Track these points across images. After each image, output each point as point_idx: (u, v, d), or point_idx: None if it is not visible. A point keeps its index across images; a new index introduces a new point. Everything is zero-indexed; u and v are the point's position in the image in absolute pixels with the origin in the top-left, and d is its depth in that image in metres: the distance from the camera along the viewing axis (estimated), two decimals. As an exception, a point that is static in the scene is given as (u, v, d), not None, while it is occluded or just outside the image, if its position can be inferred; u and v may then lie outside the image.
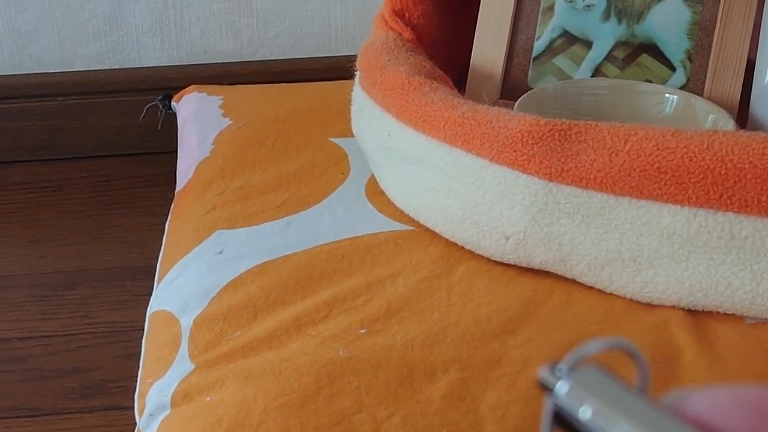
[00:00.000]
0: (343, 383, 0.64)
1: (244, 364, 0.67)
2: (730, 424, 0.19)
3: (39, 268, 1.19)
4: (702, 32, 0.88)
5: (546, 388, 0.21)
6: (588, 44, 0.91)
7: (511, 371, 0.65)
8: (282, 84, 1.11)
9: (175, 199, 0.93)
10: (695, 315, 0.69)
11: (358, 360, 0.66)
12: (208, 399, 0.65)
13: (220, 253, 0.80)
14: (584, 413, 0.20)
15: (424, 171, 0.77)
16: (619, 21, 0.90)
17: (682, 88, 0.89)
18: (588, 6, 0.90)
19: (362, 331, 0.69)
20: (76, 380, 1.01)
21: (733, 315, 0.69)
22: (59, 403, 0.98)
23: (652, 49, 0.90)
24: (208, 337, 0.71)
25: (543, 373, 0.21)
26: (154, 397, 0.69)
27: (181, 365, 0.69)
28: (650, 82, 0.90)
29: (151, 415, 0.68)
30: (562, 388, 0.21)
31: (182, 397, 0.67)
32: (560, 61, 0.91)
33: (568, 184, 0.69)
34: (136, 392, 0.73)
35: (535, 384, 0.21)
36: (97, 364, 1.02)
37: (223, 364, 0.68)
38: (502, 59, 0.91)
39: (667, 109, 0.87)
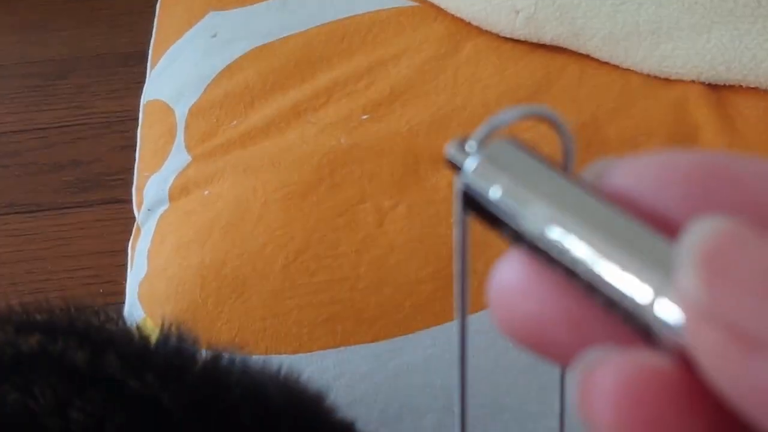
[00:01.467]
0: (345, 173, 0.61)
1: (242, 155, 0.65)
2: (660, 195, 0.16)
3: (29, 56, 1.14)
4: None
5: (455, 167, 0.18)
6: None
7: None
8: None
9: (164, -21, 0.87)
10: (716, 90, 0.65)
11: (361, 148, 0.63)
12: (206, 192, 0.63)
13: (214, 36, 0.75)
14: (494, 192, 0.17)
15: (426, -59, 0.71)
16: None
17: None
18: None
19: (364, 117, 0.65)
20: (74, 174, 0.99)
21: (756, 89, 0.65)
22: (57, 197, 0.96)
23: None
24: (205, 127, 0.68)
25: (451, 149, 0.18)
26: (152, 191, 0.66)
27: (178, 157, 0.67)
28: None
29: (149, 209, 0.66)
30: (470, 164, 0.17)
31: (180, 191, 0.64)
32: None
33: (582, -49, 0.64)
34: (134, 186, 0.70)
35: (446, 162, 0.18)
36: (94, 156, 0.99)
37: (221, 155, 0.65)
38: None
39: None
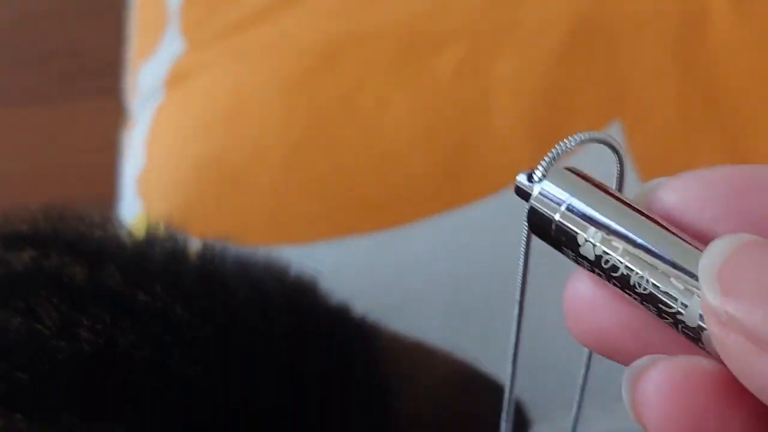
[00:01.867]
0: (344, 60, 0.60)
1: (239, 41, 0.63)
2: (703, 214, 0.19)
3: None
4: None
5: (523, 195, 0.21)
6: None
7: (525, 40, 0.60)
8: None
9: None
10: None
11: (360, 34, 0.61)
12: (203, 80, 0.61)
13: None
14: (556, 217, 0.20)
15: None
16: None
17: None
18: None
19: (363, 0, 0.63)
20: (69, 64, 0.95)
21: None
22: (52, 89, 0.93)
23: None
24: (201, 11, 0.66)
25: (520, 177, 0.21)
26: (147, 80, 0.65)
27: (173, 44, 0.65)
28: None
29: (145, 99, 0.64)
30: (535, 192, 0.20)
31: (176, 80, 0.63)
32: None
33: None
34: (129, 76, 0.69)
35: (515, 188, 0.21)
36: (89, 44, 0.96)
37: (218, 41, 0.63)
38: None
39: None
